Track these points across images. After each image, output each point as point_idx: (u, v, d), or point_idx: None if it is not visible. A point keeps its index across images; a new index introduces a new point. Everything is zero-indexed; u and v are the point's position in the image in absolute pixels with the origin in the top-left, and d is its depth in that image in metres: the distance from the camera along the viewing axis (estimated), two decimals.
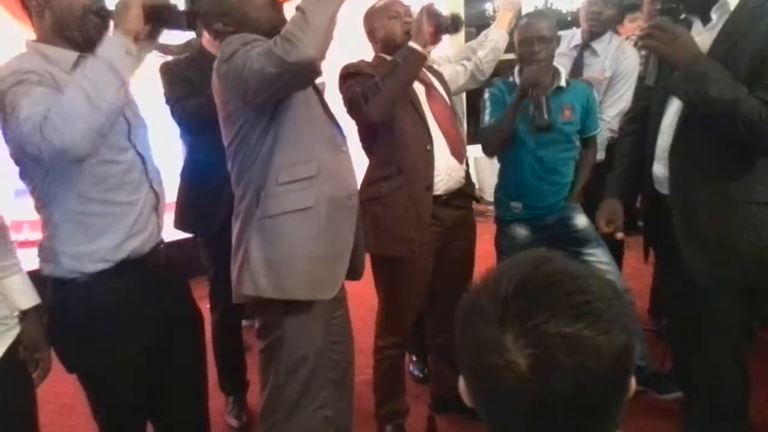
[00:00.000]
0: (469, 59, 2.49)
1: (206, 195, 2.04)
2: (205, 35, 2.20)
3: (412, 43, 1.83)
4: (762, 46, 1.42)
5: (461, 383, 0.67)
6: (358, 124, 2.05)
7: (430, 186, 1.99)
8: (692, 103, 1.53)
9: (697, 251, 1.61)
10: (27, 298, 1.44)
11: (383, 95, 1.83)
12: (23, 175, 1.42)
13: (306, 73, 1.39)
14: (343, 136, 1.68)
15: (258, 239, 1.56)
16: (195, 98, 2.03)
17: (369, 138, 2.07)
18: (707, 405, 1.65)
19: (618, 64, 2.57)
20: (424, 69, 2.16)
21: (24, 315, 1.42)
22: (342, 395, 1.84)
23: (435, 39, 1.96)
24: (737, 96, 1.41)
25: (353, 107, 1.93)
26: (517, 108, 2.09)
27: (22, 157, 1.36)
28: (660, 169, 1.70)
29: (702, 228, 1.58)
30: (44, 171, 1.36)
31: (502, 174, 2.35)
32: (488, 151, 2.21)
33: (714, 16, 1.51)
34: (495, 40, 2.48)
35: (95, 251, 1.41)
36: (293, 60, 1.30)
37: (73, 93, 1.21)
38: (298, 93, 1.54)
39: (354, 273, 1.79)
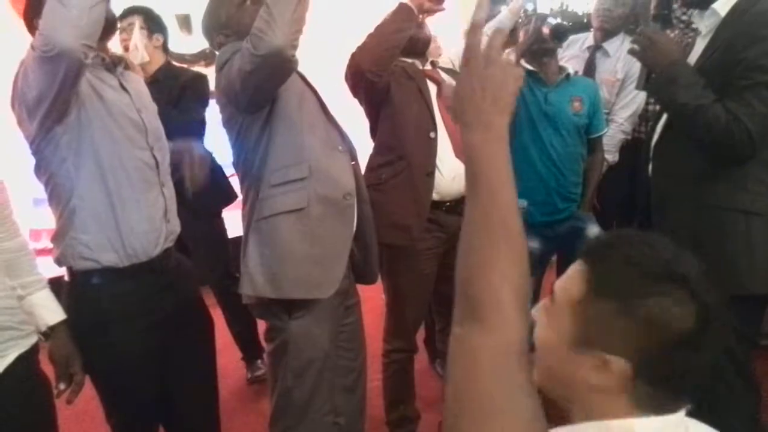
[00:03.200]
0: None
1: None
2: None
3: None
4: (736, 54, 1.41)
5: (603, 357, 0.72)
6: (360, 99, 2.04)
7: (431, 172, 1.97)
8: (664, 107, 1.60)
9: None
10: (53, 313, 1.45)
11: (370, 44, 1.87)
12: (38, 169, 1.46)
13: (278, 64, 1.41)
14: (343, 137, 1.69)
15: (255, 240, 1.59)
16: None
17: (372, 121, 2.07)
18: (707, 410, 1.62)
19: (630, 66, 2.53)
20: (437, 68, 2.15)
21: (51, 330, 1.44)
22: (354, 403, 1.83)
23: (434, 6, 1.87)
24: (701, 102, 1.43)
25: (348, 69, 1.95)
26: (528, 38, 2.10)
27: (41, 142, 1.41)
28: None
29: (674, 229, 1.57)
30: (61, 159, 1.41)
31: None
32: None
33: (707, 23, 1.52)
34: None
35: (108, 239, 1.45)
36: (262, 53, 1.35)
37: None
38: (291, 95, 1.57)
39: (367, 276, 1.80)
